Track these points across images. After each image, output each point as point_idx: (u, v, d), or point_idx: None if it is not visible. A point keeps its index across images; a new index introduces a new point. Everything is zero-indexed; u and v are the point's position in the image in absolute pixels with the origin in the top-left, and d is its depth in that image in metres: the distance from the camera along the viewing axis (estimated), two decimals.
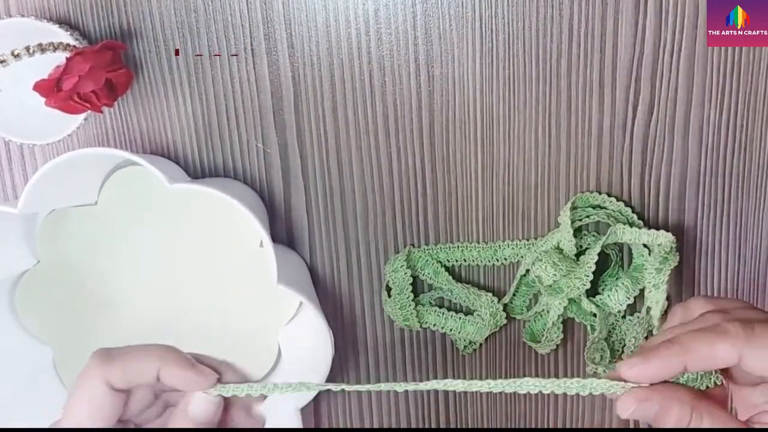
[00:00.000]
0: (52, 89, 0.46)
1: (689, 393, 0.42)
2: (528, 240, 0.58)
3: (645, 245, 0.57)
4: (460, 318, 0.59)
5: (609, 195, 0.57)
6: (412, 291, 0.58)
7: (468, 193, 0.57)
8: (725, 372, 0.44)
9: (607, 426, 0.62)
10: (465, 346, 0.59)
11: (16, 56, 0.46)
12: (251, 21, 0.54)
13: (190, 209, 0.55)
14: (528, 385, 0.41)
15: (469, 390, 0.42)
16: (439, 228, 0.58)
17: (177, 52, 0.52)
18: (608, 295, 0.57)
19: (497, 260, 0.58)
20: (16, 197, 0.57)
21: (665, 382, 0.42)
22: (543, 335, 0.57)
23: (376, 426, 0.61)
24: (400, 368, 0.61)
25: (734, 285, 0.59)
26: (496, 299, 0.58)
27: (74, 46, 0.49)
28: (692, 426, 0.41)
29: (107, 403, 0.43)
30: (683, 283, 0.59)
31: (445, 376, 0.61)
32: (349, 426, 0.62)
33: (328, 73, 0.55)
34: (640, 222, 0.57)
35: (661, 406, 0.41)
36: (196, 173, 0.57)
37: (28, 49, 0.46)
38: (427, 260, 0.58)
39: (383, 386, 0.43)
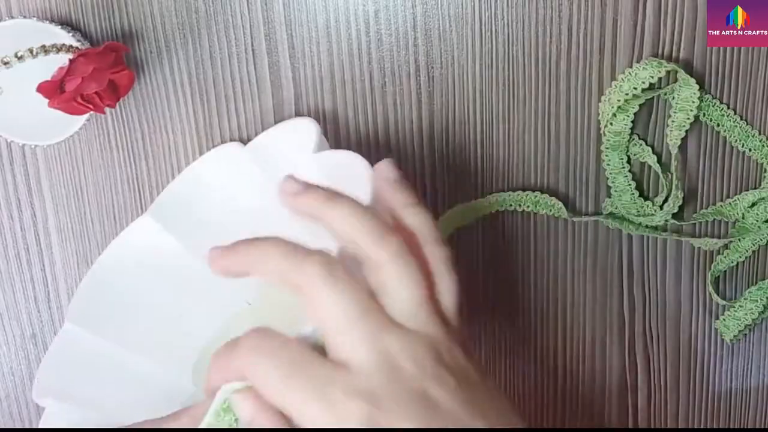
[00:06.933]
0: (55, 91, 0.46)
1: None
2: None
3: None
4: None
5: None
6: None
7: (468, 193, 0.57)
8: None
9: (607, 426, 0.62)
10: None
11: (20, 58, 0.46)
12: (252, 21, 0.54)
13: None
14: None
15: None
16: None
17: None
18: None
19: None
20: (18, 199, 0.57)
21: None
22: None
23: None
24: None
25: None
26: None
27: (77, 48, 0.49)
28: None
29: None
30: None
31: None
32: None
33: (328, 74, 0.55)
34: None
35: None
36: None
37: (31, 50, 0.46)
38: None
39: None
